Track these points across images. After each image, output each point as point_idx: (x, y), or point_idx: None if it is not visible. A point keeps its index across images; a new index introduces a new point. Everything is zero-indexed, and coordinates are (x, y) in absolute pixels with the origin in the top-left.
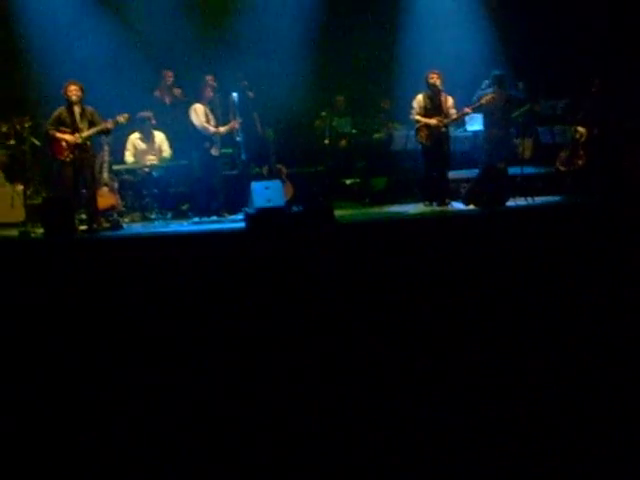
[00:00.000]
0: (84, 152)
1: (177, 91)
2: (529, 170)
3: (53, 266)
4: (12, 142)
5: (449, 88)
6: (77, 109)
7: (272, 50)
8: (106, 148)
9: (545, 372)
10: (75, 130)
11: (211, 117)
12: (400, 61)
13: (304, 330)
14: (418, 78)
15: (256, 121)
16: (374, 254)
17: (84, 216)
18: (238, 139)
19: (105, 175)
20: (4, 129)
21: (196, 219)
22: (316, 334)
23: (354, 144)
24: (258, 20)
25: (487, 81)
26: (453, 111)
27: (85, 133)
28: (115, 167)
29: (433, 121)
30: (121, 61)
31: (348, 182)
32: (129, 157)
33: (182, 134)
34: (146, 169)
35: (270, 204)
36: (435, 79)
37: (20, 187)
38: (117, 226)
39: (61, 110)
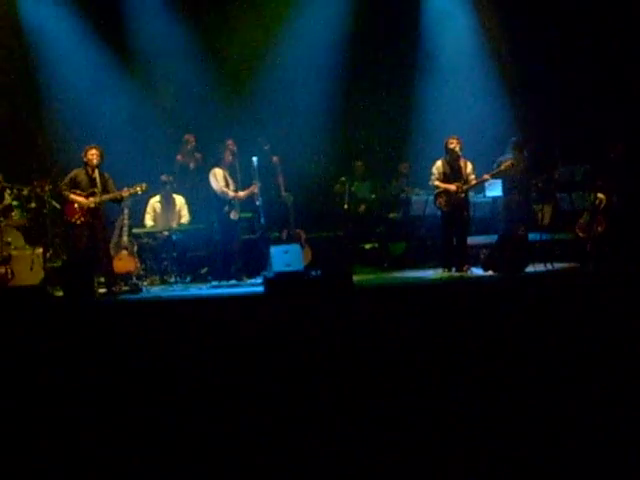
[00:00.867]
0: (96, 217)
1: (198, 155)
2: (548, 236)
3: (72, 328)
4: (33, 205)
5: (468, 153)
6: (94, 173)
7: (292, 115)
8: (126, 211)
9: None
10: (90, 194)
11: (231, 181)
12: (419, 126)
13: (320, 396)
14: (437, 143)
15: (280, 185)
16: (392, 319)
17: (102, 279)
18: (257, 203)
19: (125, 238)
20: (25, 192)
21: (215, 283)
22: (333, 399)
23: (373, 209)
24: (278, 86)
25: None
26: (472, 177)
27: (99, 198)
28: (135, 230)
29: (452, 187)
30: (143, 125)
31: (367, 247)
32: (149, 220)
33: (202, 198)
34: (165, 233)
35: (289, 268)
36: (454, 145)
37: (40, 250)
38: (136, 289)
39: (77, 172)
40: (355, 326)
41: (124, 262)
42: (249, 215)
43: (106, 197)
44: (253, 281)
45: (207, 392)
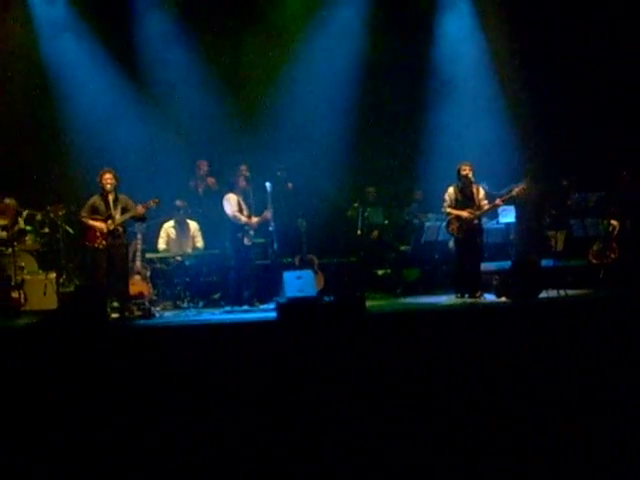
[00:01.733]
0: (117, 239)
1: (211, 180)
2: (561, 263)
3: (84, 353)
4: (46, 230)
5: (482, 180)
6: (111, 197)
7: (305, 141)
8: (139, 236)
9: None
10: (108, 217)
11: (244, 207)
12: (432, 152)
13: (333, 422)
14: (450, 169)
15: (292, 211)
16: (405, 345)
17: (116, 304)
18: (271, 229)
19: (138, 263)
20: (38, 217)
21: (228, 308)
22: (346, 425)
23: (386, 235)
24: (292, 112)
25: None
26: (485, 202)
27: (118, 220)
28: (148, 255)
29: (464, 213)
30: (157, 150)
31: (380, 273)
32: (162, 245)
33: (215, 224)
34: (178, 258)
35: (302, 294)
36: (467, 171)
37: (53, 275)
38: (149, 315)
39: (95, 198)
40: (368, 352)
41: (137, 287)
42: (262, 241)
43: (124, 217)
44: (266, 307)
45: (219, 418)
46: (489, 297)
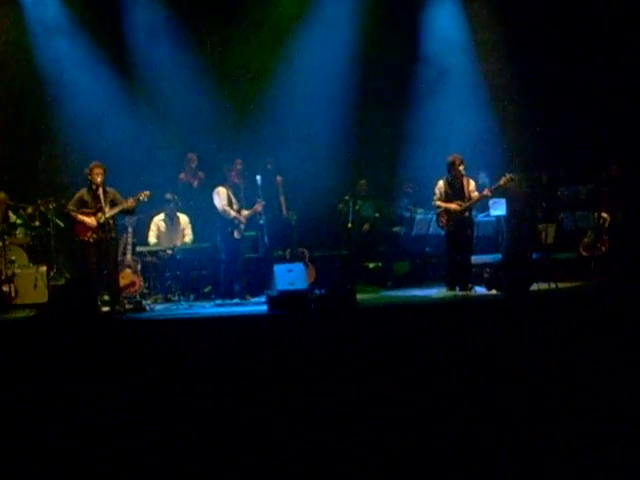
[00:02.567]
0: (107, 232)
1: (200, 174)
2: (552, 255)
3: (74, 347)
4: (36, 224)
5: (481, 170)
6: (100, 190)
7: (295, 134)
8: (130, 230)
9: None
10: (98, 211)
11: (234, 200)
12: (423, 145)
13: (323, 415)
14: (441, 162)
15: (282, 204)
16: (396, 338)
17: (107, 297)
18: (261, 222)
19: (128, 257)
20: (29, 211)
21: (218, 301)
22: (335, 418)
23: (377, 228)
24: (282, 105)
25: None
26: (475, 194)
27: (108, 213)
28: (138, 249)
29: (452, 206)
30: (147, 144)
31: (370, 266)
32: (152, 238)
33: (205, 217)
34: (169, 251)
35: (292, 287)
36: (457, 163)
37: (43, 268)
38: (139, 308)
39: (83, 192)
40: (358, 345)
41: (128, 280)
42: (253, 234)
43: (114, 210)
44: (257, 300)
45: (209, 411)
46: (480, 290)
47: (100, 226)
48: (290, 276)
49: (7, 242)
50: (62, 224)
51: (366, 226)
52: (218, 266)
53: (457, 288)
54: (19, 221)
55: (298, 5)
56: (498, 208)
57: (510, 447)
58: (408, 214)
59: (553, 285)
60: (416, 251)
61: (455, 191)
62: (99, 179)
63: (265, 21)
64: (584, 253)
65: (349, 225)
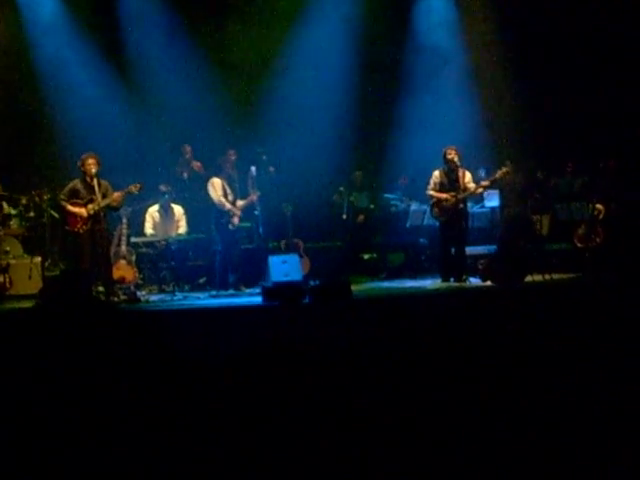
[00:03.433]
0: (98, 223)
1: (197, 165)
2: (546, 247)
3: (69, 337)
4: (31, 214)
5: (472, 167)
6: (93, 181)
7: (291, 125)
8: (124, 221)
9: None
10: (89, 202)
11: (229, 191)
12: (418, 136)
13: (318, 406)
14: (434, 153)
15: (275, 195)
16: (390, 329)
17: (101, 289)
18: (256, 213)
19: (123, 248)
20: (23, 201)
21: (213, 292)
22: (330, 409)
23: (372, 219)
24: (277, 96)
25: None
26: (471, 185)
27: (97, 205)
28: (133, 239)
29: (444, 196)
30: (142, 135)
31: (365, 257)
32: (148, 229)
33: (200, 208)
34: (164, 242)
35: (287, 278)
36: (452, 155)
37: (38, 259)
38: (134, 299)
39: (76, 182)
40: (353, 336)
41: (122, 271)
42: (248, 225)
43: (104, 202)
44: (251, 291)
45: (204, 402)
46: (474, 281)
47: (91, 217)
48: (285, 267)
49: (2, 233)
50: (57, 215)
51: (361, 217)
52: (213, 257)
53: (451, 279)
54: (14, 212)
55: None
56: (492, 199)
57: (505, 438)
58: (403, 205)
59: (547, 276)
60: (411, 242)
61: (450, 182)
62: (93, 170)
63: (261, 13)
64: (578, 244)
65: (344, 216)
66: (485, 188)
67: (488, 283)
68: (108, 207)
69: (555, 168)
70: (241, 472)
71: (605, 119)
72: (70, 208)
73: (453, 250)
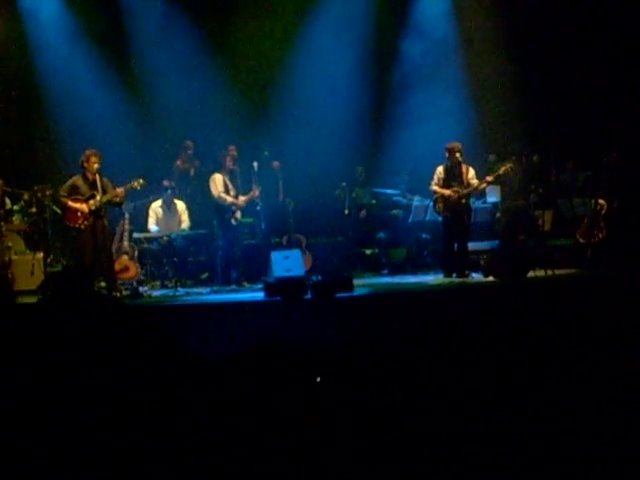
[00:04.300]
0: (100, 219)
1: (196, 162)
2: (549, 242)
3: (71, 333)
4: (33, 210)
5: (472, 160)
6: (95, 178)
7: (292, 121)
8: (127, 216)
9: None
10: (90, 198)
11: (231, 187)
12: (419, 132)
13: (319, 402)
14: (438, 148)
15: (280, 190)
16: (392, 325)
17: (103, 284)
18: (258, 208)
19: (125, 243)
20: (25, 197)
21: (215, 288)
22: (332, 405)
23: (373, 215)
24: (280, 92)
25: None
26: (474, 181)
27: (102, 199)
28: (135, 235)
29: (447, 192)
30: (144, 130)
31: (367, 252)
32: (151, 225)
33: (202, 204)
34: (166, 238)
35: (289, 274)
36: (455, 150)
37: (40, 255)
38: (136, 295)
39: (76, 179)
40: (355, 332)
41: (124, 267)
42: (250, 220)
43: (105, 198)
44: (253, 286)
45: (205, 398)
46: (477, 277)
47: (92, 213)
48: (287, 263)
49: (4, 228)
50: (59, 211)
51: (363, 213)
52: (215, 253)
53: (454, 275)
54: (16, 208)
55: None
56: (494, 195)
57: (505, 433)
58: (405, 201)
59: (550, 272)
60: (413, 238)
61: (453, 178)
62: (95, 166)
63: (267, 6)
64: (581, 240)
65: (346, 212)
66: (488, 184)
67: (490, 278)
68: (110, 203)
69: (557, 163)
70: (242, 469)
71: (607, 113)
72: (71, 204)
73: (455, 245)
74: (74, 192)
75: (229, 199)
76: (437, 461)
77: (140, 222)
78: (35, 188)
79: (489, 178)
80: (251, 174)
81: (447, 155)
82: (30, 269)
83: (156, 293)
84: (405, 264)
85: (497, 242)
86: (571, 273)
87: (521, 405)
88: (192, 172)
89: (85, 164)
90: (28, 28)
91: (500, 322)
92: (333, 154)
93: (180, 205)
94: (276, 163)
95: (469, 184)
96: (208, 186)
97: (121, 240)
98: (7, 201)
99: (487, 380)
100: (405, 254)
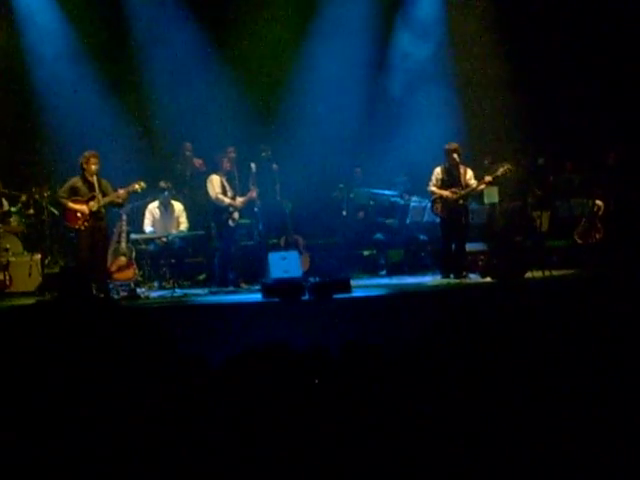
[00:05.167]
0: (99, 220)
1: (198, 162)
2: (546, 243)
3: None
4: (31, 211)
5: (471, 162)
6: (94, 179)
7: (290, 123)
8: (124, 217)
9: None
10: (90, 199)
11: (228, 188)
12: (416, 133)
13: (317, 404)
14: (437, 151)
15: (277, 192)
16: (390, 325)
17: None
18: (256, 209)
19: (123, 245)
20: (23, 199)
21: (213, 289)
22: (329, 407)
23: (371, 216)
24: (276, 94)
25: None
26: (472, 182)
27: (102, 201)
28: (133, 236)
29: (446, 193)
30: (141, 131)
31: (365, 253)
32: (148, 226)
33: (200, 205)
34: (164, 239)
35: (287, 275)
36: (454, 151)
37: (38, 256)
38: (133, 296)
39: (75, 180)
40: (353, 332)
41: (122, 268)
42: (247, 222)
43: (106, 200)
44: (251, 288)
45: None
46: (474, 277)
47: (92, 214)
48: (284, 264)
49: (1, 230)
50: (57, 212)
51: (361, 214)
52: (213, 254)
53: (451, 275)
54: (13, 209)
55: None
56: (492, 196)
57: (504, 433)
58: (402, 202)
59: (547, 272)
60: (411, 239)
61: (452, 179)
62: (95, 168)
63: (269, 9)
64: (578, 241)
65: (344, 213)
66: (487, 185)
67: (488, 279)
68: (111, 204)
69: (554, 165)
70: (241, 470)
71: (605, 114)
72: (71, 205)
73: (453, 246)
74: (73, 193)
75: (227, 200)
76: (437, 463)
77: (138, 223)
78: (33, 189)
79: (488, 178)
80: (249, 175)
81: (446, 156)
82: (28, 271)
83: (154, 294)
84: (403, 265)
85: (494, 243)
86: (568, 274)
87: (519, 405)
88: (189, 173)
89: (85, 165)
90: (26, 32)
91: (498, 323)
92: (331, 155)
93: (178, 206)
94: (275, 166)
95: (467, 185)
96: (206, 187)
97: (119, 241)
98: (4, 202)
99: (485, 381)
100: (403, 255)
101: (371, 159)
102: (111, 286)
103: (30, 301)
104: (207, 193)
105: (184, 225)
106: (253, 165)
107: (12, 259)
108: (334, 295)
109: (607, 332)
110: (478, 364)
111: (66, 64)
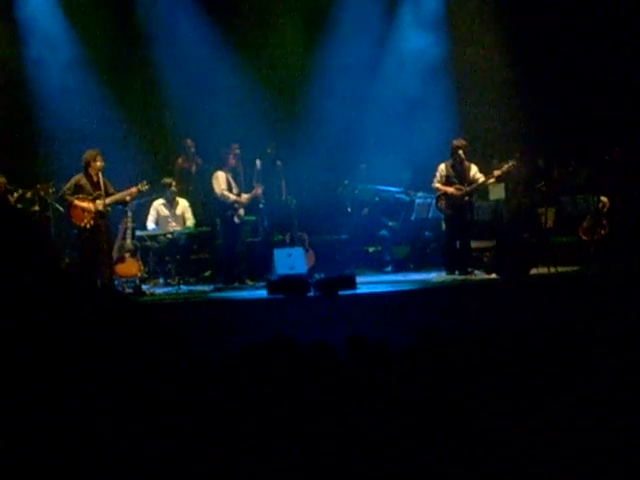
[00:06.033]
0: (104, 219)
1: (198, 160)
2: (551, 239)
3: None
4: (36, 208)
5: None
6: (97, 177)
7: (295, 120)
8: (129, 214)
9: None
10: (96, 198)
11: (234, 184)
12: (421, 130)
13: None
14: (442, 147)
15: (282, 189)
16: (395, 322)
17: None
18: (261, 206)
19: (128, 241)
20: (28, 195)
21: (218, 285)
22: (335, 404)
23: (376, 212)
24: (282, 92)
25: None
26: (479, 176)
27: (108, 200)
28: (138, 233)
29: (451, 189)
30: (145, 128)
31: (370, 250)
32: (151, 223)
33: (205, 202)
34: (169, 235)
35: (292, 271)
36: (460, 147)
37: None
38: (139, 292)
39: (79, 177)
40: (358, 329)
41: (128, 265)
42: (253, 218)
43: (113, 199)
44: (256, 284)
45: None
46: (479, 274)
47: (98, 212)
48: (290, 260)
49: None
50: (62, 209)
51: (365, 210)
52: (218, 250)
53: (456, 272)
54: (18, 205)
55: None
56: (497, 192)
57: (507, 432)
58: (407, 199)
59: (552, 269)
60: (416, 235)
61: (457, 175)
62: (100, 165)
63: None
64: (584, 237)
65: (349, 209)
66: (495, 179)
67: (493, 276)
68: (117, 202)
69: (559, 162)
70: (243, 468)
71: (610, 111)
72: (78, 203)
73: (458, 243)
74: (78, 191)
75: (232, 197)
76: (438, 463)
77: (143, 220)
78: (38, 186)
79: (497, 172)
80: (254, 172)
81: (452, 152)
82: None
83: (159, 291)
84: (408, 261)
85: (500, 240)
86: (573, 270)
87: (523, 403)
88: (193, 169)
89: (92, 163)
90: (28, 29)
91: (503, 319)
92: (336, 152)
93: (182, 203)
94: (279, 162)
95: (474, 181)
96: (211, 184)
97: (124, 238)
98: (10, 199)
99: (490, 378)
100: (408, 251)
101: (376, 155)
102: (116, 282)
103: None
104: (213, 190)
105: (190, 221)
106: (258, 162)
107: None
108: (339, 291)
109: (612, 328)
110: (483, 360)
111: (70, 65)
